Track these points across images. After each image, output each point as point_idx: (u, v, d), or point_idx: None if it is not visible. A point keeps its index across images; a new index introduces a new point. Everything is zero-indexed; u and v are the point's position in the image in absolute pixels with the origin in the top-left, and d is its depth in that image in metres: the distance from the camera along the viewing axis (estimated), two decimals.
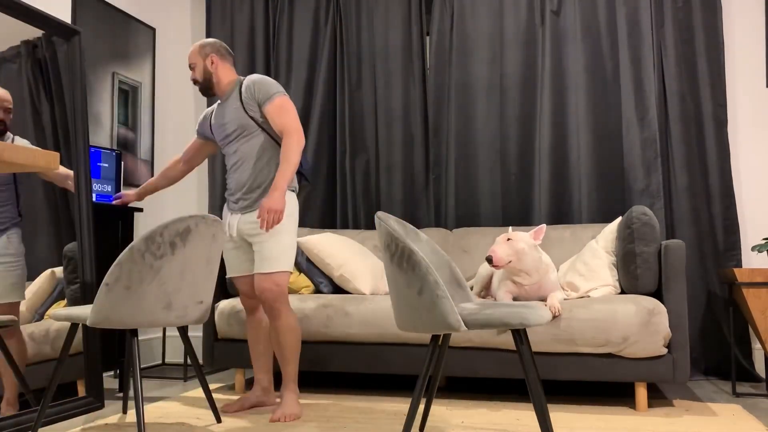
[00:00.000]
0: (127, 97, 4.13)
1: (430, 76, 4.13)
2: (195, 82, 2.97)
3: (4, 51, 2.84)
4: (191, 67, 2.96)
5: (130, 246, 2.31)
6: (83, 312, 2.42)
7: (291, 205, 2.86)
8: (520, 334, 2.11)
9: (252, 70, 4.37)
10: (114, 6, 4.04)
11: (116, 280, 2.32)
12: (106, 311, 2.34)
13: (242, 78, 2.97)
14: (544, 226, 3.00)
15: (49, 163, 1.55)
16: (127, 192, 3.27)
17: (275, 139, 2.90)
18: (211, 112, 3.10)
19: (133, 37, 4.20)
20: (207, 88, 2.96)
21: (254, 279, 2.92)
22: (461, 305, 2.23)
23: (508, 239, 2.97)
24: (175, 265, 2.42)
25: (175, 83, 4.60)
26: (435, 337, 2.20)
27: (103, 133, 3.92)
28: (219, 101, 3.01)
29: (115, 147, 4.00)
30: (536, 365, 2.05)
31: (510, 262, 2.97)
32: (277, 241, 2.82)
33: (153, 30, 4.39)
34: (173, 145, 4.58)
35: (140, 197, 3.24)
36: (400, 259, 2.11)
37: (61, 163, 3.07)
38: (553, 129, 3.92)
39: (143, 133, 4.27)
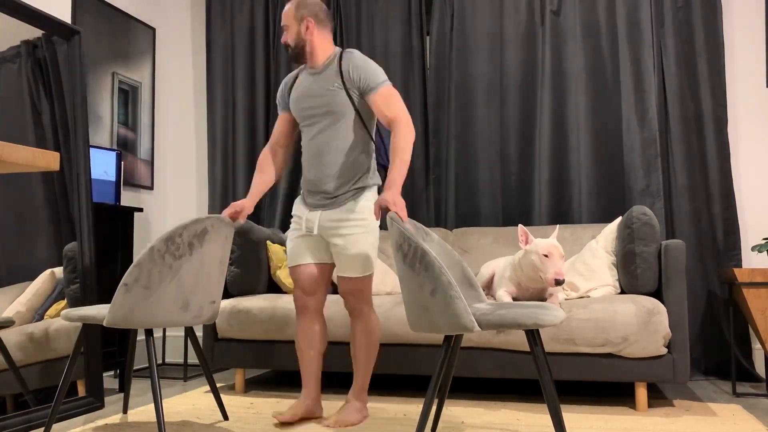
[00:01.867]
0: (127, 97, 4.13)
1: (430, 76, 4.13)
2: (286, 46, 2.68)
3: (4, 51, 2.84)
4: (283, 29, 2.66)
5: (150, 246, 2.31)
6: (98, 312, 2.42)
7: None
8: (533, 335, 2.11)
9: (252, 71, 4.37)
10: (114, 6, 4.04)
11: (135, 280, 2.32)
12: (124, 312, 2.34)
13: (340, 50, 2.69)
14: (558, 227, 2.94)
15: (49, 163, 1.55)
16: (241, 203, 2.68)
17: (366, 127, 2.68)
18: (293, 81, 2.78)
19: (133, 37, 4.20)
20: (298, 55, 2.66)
21: (339, 281, 2.72)
22: (474, 306, 2.23)
23: (563, 255, 2.89)
24: (193, 265, 2.44)
25: (175, 83, 4.60)
26: (448, 338, 2.20)
27: (103, 133, 3.92)
28: (305, 70, 2.72)
29: (115, 147, 4.00)
30: (549, 366, 2.03)
31: None
32: (365, 241, 2.63)
33: (153, 30, 4.39)
34: (173, 145, 4.58)
35: (254, 203, 2.76)
36: (413, 259, 2.11)
37: (61, 163, 3.07)
38: (553, 129, 3.92)
39: (143, 133, 4.27)
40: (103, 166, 3.61)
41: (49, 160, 1.53)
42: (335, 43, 4.26)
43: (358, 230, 2.62)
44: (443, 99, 4.11)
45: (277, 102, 2.77)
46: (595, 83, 3.89)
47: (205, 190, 4.52)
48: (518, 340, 2.97)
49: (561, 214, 3.91)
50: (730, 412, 2.88)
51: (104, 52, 3.95)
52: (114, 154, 3.68)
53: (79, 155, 3.12)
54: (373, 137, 2.73)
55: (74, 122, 3.12)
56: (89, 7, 3.82)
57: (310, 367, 2.74)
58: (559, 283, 2.83)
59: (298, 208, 2.77)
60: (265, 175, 2.80)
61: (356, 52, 2.64)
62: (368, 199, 2.66)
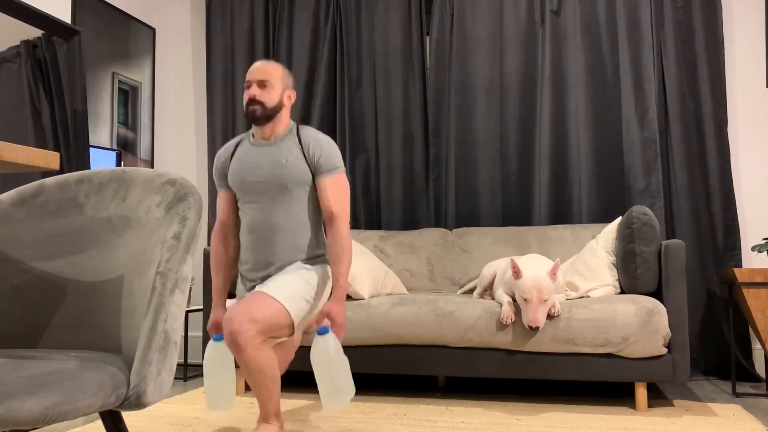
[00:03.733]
0: (127, 97, 4.13)
1: (430, 76, 4.13)
2: (255, 102, 2.42)
3: (4, 51, 2.84)
4: (262, 84, 2.44)
5: None
6: None
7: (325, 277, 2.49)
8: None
9: None
10: (114, 6, 4.04)
11: None
12: None
13: (294, 123, 2.53)
14: (558, 261, 2.88)
15: (49, 163, 1.55)
16: (218, 319, 2.50)
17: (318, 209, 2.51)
18: (231, 154, 2.55)
19: (133, 37, 4.20)
20: (268, 117, 2.44)
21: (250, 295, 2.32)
22: None
23: (544, 300, 2.85)
24: None
25: (175, 83, 4.60)
26: None
27: (103, 133, 3.92)
28: (247, 142, 2.53)
29: (115, 147, 4.00)
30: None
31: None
32: (298, 278, 2.37)
33: (153, 30, 4.39)
34: (173, 145, 4.58)
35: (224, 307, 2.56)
36: None
37: (61, 163, 3.08)
38: (553, 129, 3.92)
39: (143, 133, 4.27)
40: (103, 166, 3.61)
41: (49, 160, 1.53)
42: (335, 44, 4.26)
43: (294, 268, 2.41)
44: (443, 99, 4.11)
45: (215, 179, 2.60)
46: (595, 83, 3.89)
47: (206, 190, 4.52)
48: (518, 340, 2.97)
49: (561, 214, 3.91)
50: (730, 412, 2.88)
51: (104, 52, 3.95)
52: (114, 154, 3.68)
53: (79, 155, 3.12)
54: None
55: (74, 122, 3.12)
56: (89, 7, 3.82)
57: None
58: (532, 329, 2.84)
59: (241, 291, 2.55)
60: (224, 272, 2.55)
61: (315, 131, 2.50)
62: (318, 263, 2.48)
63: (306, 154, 2.43)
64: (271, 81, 2.44)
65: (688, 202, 3.75)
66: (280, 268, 2.43)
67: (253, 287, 2.47)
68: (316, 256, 2.49)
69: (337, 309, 2.32)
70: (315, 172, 2.45)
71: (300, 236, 2.43)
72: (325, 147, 2.45)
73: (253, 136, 2.53)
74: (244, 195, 2.48)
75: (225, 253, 2.56)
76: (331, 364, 2.29)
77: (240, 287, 2.57)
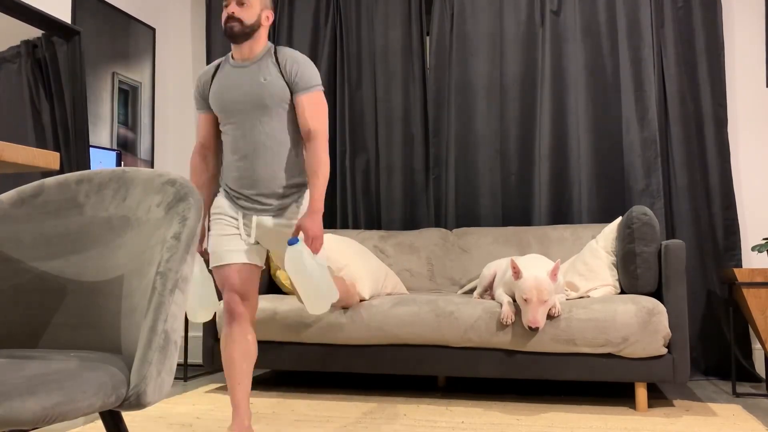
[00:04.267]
0: (127, 97, 4.13)
1: (430, 76, 4.13)
2: (233, 19, 2.42)
3: (4, 51, 2.84)
4: (240, 2, 2.43)
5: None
6: None
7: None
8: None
9: None
10: (114, 6, 4.04)
11: None
12: None
13: (272, 44, 2.53)
14: (559, 261, 2.90)
15: (49, 163, 1.55)
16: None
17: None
18: (211, 75, 2.56)
19: (133, 37, 4.20)
20: (245, 35, 2.43)
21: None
22: None
23: (544, 300, 2.86)
24: None
25: (175, 83, 4.60)
26: None
27: (103, 133, 3.92)
28: (229, 63, 2.52)
29: (115, 147, 4.00)
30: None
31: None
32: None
33: (153, 30, 4.39)
34: (173, 145, 4.58)
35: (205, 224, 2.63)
36: None
37: (61, 163, 3.08)
38: (553, 129, 3.92)
39: (143, 133, 4.27)
40: (103, 166, 3.61)
41: (49, 160, 1.53)
42: (335, 44, 4.27)
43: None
44: (443, 99, 4.11)
45: (195, 100, 2.62)
46: (595, 83, 3.89)
47: None
48: (518, 341, 2.97)
49: (561, 214, 3.91)
50: (730, 412, 2.89)
51: (104, 52, 3.95)
52: (114, 154, 3.67)
53: (79, 155, 3.12)
54: None
55: (74, 122, 3.12)
56: (89, 7, 3.82)
57: (244, 382, 2.41)
58: (531, 329, 2.84)
59: (223, 205, 2.52)
60: (204, 190, 2.60)
61: (291, 49, 2.52)
62: (299, 196, 2.52)
63: (283, 72, 2.45)
64: None
65: (688, 202, 3.75)
66: (272, 189, 2.45)
67: (247, 210, 2.47)
68: (297, 185, 2.50)
69: (310, 223, 2.35)
70: (293, 90, 2.46)
71: (280, 155, 2.46)
72: (302, 64, 2.46)
73: (232, 57, 2.54)
74: (225, 116, 2.50)
75: (205, 171, 2.61)
76: (305, 271, 2.32)
77: (222, 202, 2.52)
